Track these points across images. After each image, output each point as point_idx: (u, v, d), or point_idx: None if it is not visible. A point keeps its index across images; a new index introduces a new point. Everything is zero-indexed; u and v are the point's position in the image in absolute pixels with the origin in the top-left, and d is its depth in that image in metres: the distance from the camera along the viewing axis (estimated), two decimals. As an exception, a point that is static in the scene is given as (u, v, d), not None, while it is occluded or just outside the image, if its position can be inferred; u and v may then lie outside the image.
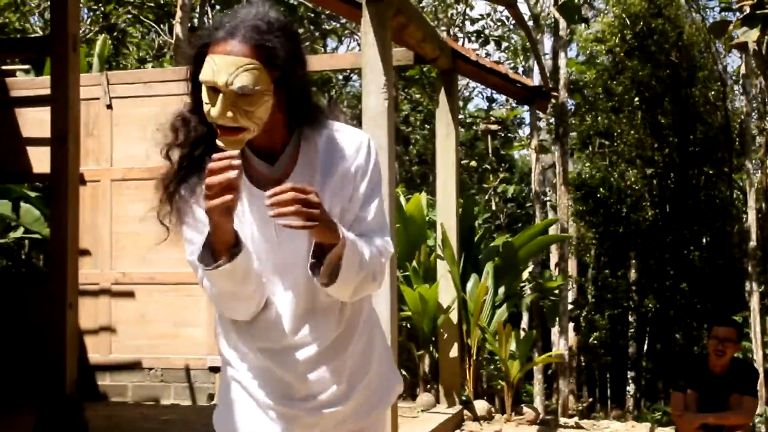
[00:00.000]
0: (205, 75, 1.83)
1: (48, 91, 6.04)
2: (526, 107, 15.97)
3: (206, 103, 1.85)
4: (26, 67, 9.64)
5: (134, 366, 8.17)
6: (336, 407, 2.00)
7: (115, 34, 16.10)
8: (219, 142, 1.87)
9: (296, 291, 1.96)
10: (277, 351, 1.98)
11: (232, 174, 1.73)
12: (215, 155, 1.77)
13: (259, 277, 1.93)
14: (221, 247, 1.83)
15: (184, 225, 1.97)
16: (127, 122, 8.11)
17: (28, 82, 8.64)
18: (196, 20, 15.99)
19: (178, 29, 12.76)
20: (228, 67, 1.80)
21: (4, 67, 8.59)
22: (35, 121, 8.00)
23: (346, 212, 1.96)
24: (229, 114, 1.81)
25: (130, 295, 8.11)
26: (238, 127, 1.83)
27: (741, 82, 15.85)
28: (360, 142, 2.03)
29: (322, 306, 1.99)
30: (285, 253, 1.95)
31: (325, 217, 1.79)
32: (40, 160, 7.79)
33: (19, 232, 10.28)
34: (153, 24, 16.21)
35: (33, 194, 9.60)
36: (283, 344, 1.97)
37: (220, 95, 1.81)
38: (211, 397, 8.05)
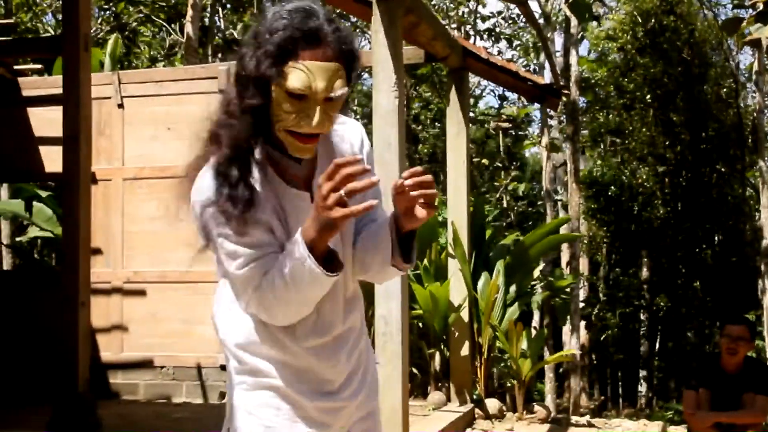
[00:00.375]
0: (298, 83, 1.77)
1: (60, 91, 6.07)
2: (537, 105, 15.93)
3: (289, 112, 1.80)
4: (39, 66, 9.69)
5: (146, 364, 8.20)
6: (360, 394, 2.05)
7: (126, 33, 16.15)
8: (295, 152, 1.86)
9: (335, 286, 1.92)
10: (320, 346, 1.97)
11: (375, 178, 1.74)
12: (346, 160, 1.70)
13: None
14: (320, 254, 1.79)
15: (249, 227, 1.85)
16: (139, 121, 8.14)
17: (40, 82, 8.68)
18: (206, 20, 16.03)
19: (189, 29, 12.80)
20: (324, 73, 1.78)
21: (16, 67, 8.62)
22: (47, 121, 8.04)
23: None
24: (326, 120, 1.82)
25: (141, 293, 8.14)
26: (321, 133, 1.84)
27: (754, 79, 15.77)
28: (360, 131, 2.05)
29: (352, 297, 2.03)
30: None
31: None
32: (53, 160, 7.82)
33: (32, 233, 10.34)
34: (164, 23, 16.25)
35: (45, 194, 9.64)
36: (325, 339, 1.97)
37: (311, 103, 1.79)
38: (222, 395, 8.06)
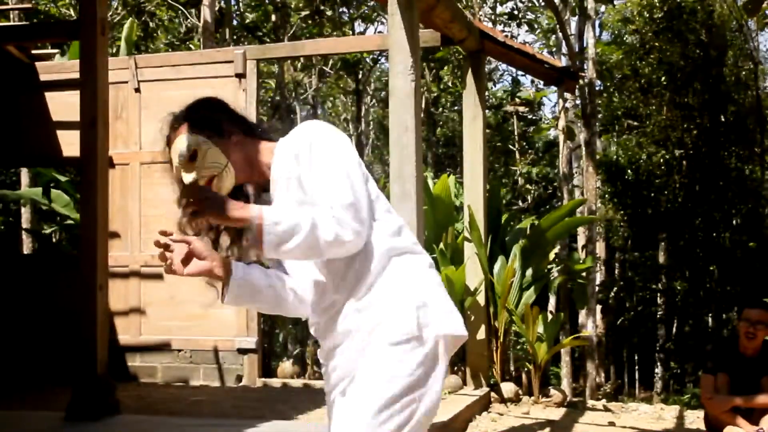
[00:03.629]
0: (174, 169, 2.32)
1: (77, 75, 6.09)
2: (553, 88, 15.84)
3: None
4: (56, 51, 9.71)
5: (164, 347, 8.26)
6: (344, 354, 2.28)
7: (144, 18, 16.16)
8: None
9: (311, 286, 2.32)
10: (311, 324, 2.36)
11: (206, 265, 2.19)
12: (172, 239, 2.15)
13: (278, 287, 2.32)
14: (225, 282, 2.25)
15: None
16: (156, 105, 8.16)
17: (57, 66, 8.71)
18: (223, 2, 16.02)
19: (206, 13, 12.79)
20: (173, 150, 2.30)
21: (34, 51, 8.65)
22: (65, 105, 8.07)
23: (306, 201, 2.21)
24: (191, 175, 2.26)
25: (159, 277, 8.18)
26: (209, 178, 2.26)
27: (773, 61, 15.60)
28: (294, 139, 2.24)
29: (327, 286, 2.26)
30: (291, 264, 2.36)
31: (205, 207, 2.06)
32: (70, 144, 7.86)
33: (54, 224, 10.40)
34: (181, 7, 16.25)
35: (63, 179, 9.70)
36: (312, 319, 2.36)
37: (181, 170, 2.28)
38: (239, 378, 8.11)
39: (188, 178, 2.25)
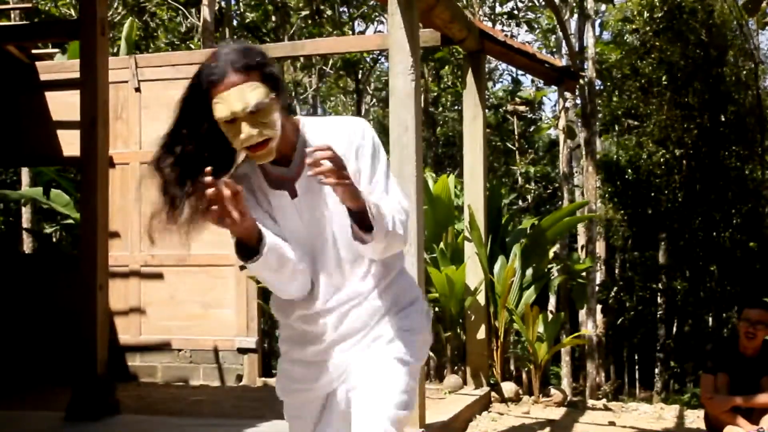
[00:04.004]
0: (221, 112, 2.11)
1: (77, 75, 6.08)
2: (552, 88, 15.83)
3: (231, 136, 2.13)
4: (56, 51, 9.71)
5: (164, 347, 8.26)
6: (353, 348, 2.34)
7: (145, 17, 16.16)
8: (254, 160, 2.20)
9: (328, 268, 2.29)
10: (311, 316, 2.32)
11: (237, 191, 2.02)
12: (207, 180, 1.99)
13: (295, 262, 2.22)
14: (251, 244, 2.14)
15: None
16: (156, 105, 8.16)
17: (58, 66, 8.70)
18: (223, 2, 16.02)
19: (205, 12, 12.79)
20: (237, 95, 2.09)
21: (34, 51, 8.65)
22: (65, 105, 8.07)
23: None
24: (255, 131, 2.10)
25: (159, 276, 8.19)
26: (265, 140, 2.13)
27: (773, 61, 15.60)
28: (351, 129, 2.25)
29: (349, 277, 2.30)
30: (312, 239, 2.28)
31: (352, 181, 2.03)
32: (70, 144, 7.86)
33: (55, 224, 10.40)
34: (180, 7, 16.25)
35: (61, 179, 9.70)
36: (316, 310, 2.31)
37: (241, 123, 2.10)
38: (239, 378, 8.11)
39: (247, 132, 2.10)
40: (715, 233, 16.75)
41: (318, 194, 2.23)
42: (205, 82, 2.14)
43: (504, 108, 20.12)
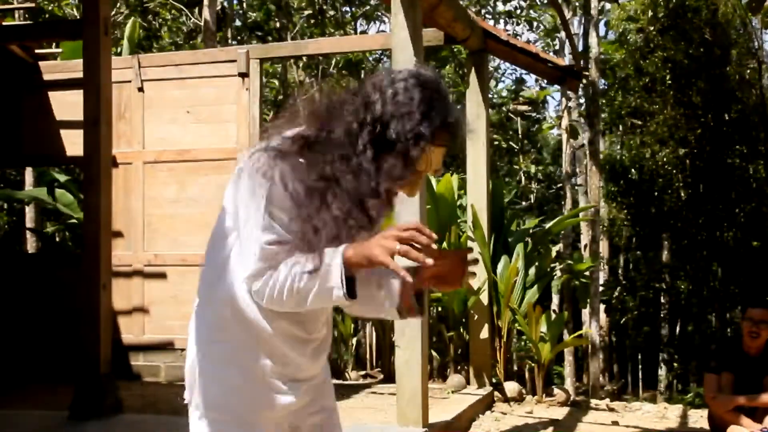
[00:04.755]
0: (425, 165, 2.00)
1: (80, 75, 6.09)
2: (555, 87, 15.83)
3: (406, 182, 2.02)
4: (59, 51, 9.73)
5: (167, 346, 8.26)
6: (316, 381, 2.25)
7: (148, 17, 16.18)
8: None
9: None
10: (303, 340, 2.15)
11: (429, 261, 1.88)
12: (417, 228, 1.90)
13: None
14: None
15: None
16: (159, 105, 8.16)
17: (61, 66, 8.71)
18: (225, 2, 16.03)
19: (206, 13, 12.80)
20: (441, 156, 2.02)
21: (38, 51, 8.66)
22: (68, 104, 8.07)
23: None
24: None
25: (162, 276, 8.19)
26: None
27: (778, 60, 15.57)
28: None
29: (326, 312, 2.22)
30: None
31: None
32: (73, 143, 7.86)
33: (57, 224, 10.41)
34: (183, 7, 16.26)
35: (63, 178, 9.71)
36: (310, 336, 2.16)
37: (419, 176, 2.03)
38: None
39: (417, 191, 2.12)
40: (718, 233, 16.73)
41: None
42: (445, 124, 1.98)
43: (507, 107, 20.12)
